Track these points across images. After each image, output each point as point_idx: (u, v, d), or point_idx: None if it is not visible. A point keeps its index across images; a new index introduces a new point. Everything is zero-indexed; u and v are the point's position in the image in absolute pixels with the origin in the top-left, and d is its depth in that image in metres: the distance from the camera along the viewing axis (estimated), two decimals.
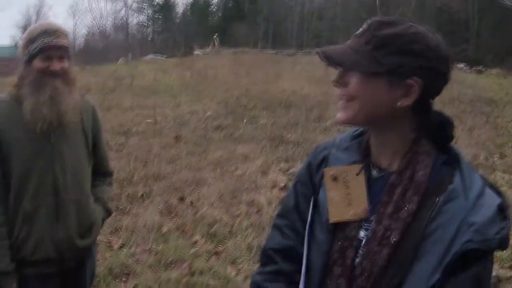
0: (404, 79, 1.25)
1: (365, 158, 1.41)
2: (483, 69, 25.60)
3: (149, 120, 10.75)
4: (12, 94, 2.42)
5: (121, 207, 6.14)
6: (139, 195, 6.51)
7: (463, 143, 8.81)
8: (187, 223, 5.73)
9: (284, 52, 34.52)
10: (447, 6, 39.87)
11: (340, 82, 1.33)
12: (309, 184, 1.54)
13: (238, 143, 9.18)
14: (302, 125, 10.35)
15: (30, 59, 2.36)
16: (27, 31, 2.44)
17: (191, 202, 6.29)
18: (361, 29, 1.32)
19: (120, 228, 5.53)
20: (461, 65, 28.21)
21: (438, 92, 1.33)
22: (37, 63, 2.34)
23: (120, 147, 8.69)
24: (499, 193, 1.30)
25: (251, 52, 31.41)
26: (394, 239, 1.26)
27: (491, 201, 1.24)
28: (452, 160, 1.32)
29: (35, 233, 2.42)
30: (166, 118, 11.10)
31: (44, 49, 2.32)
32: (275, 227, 1.60)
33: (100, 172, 2.80)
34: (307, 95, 12.78)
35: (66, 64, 2.40)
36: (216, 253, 5.06)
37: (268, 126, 10.41)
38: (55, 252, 2.47)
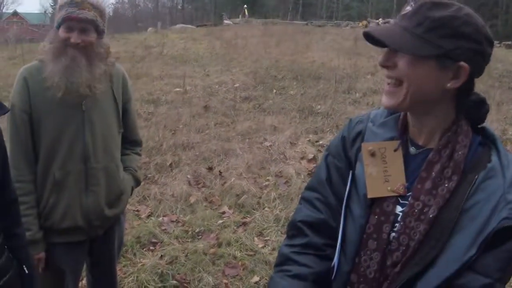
0: (455, 62, 1.25)
1: (402, 134, 1.42)
2: None
3: (178, 89, 10.73)
4: (43, 61, 2.39)
5: (149, 175, 6.18)
6: (168, 164, 6.52)
7: (491, 118, 8.65)
8: (215, 194, 5.74)
9: (314, 23, 34.15)
10: None
11: (388, 63, 1.31)
12: (343, 157, 1.54)
13: (267, 114, 9.13)
14: (331, 97, 10.21)
15: (57, 27, 2.34)
16: None
17: (220, 172, 6.29)
18: (409, 8, 1.30)
19: (148, 197, 5.56)
20: None
21: (481, 72, 1.33)
22: (61, 32, 2.33)
23: (149, 116, 8.72)
24: None
25: (281, 23, 31.09)
26: (431, 215, 1.28)
27: None
28: (488, 141, 1.35)
29: (64, 201, 2.42)
30: (196, 88, 11.07)
31: (66, 20, 2.30)
32: (305, 199, 1.60)
33: (130, 141, 2.79)
34: (336, 67, 12.59)
35: (90, 37, 2.35)
36: (244, 224, 5.06)
37: (297, 97, 10.31)
38: (83, 220, 2.48)
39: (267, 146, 7.20)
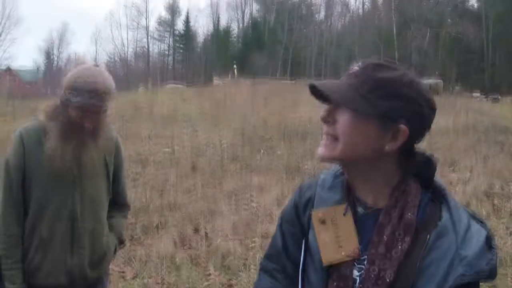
0: (394, 123, 1.27)
1: (349, 196, 1.41)
2: (499, 97, 25.50)
3: (166, 150, 10.81)
4: (41, 123, 2.45)
5: (135, 236, 6.17)
6: (154, 225, 6.53)
7: (477, 173, 8.75)
8: (201, 255, 5.73)
9: (302, 81, 34.63)
10: (462, 35, 40.00)
11: (329, 118, 1.32)
12: (297, 224, 1.54)
13: (254, 173, 9.17)
14: None
15: (68, 103, 2.36)
16: (76, 73, 2.40)
17: (206, 234, 6.28)
18: (356, 67, 1.32)
19: (134, 258, 5.55)
20: (477, 94, 28.20)
21: (422, 136, 1.35)
22: (73, 113, 2.36)
23: (136, 176, 8.75)
24: (482, 223, 1.32)
25: (270, 81, 31.57)
26: (388, 279, 1.27)
27: (479, 233, 1.26)
28: (437, 196, 1.34)
29: (49, 260, 2.46)
30: (184, 148, 11.16)
31: (85, 108, 2.34)
32: (264, 270, 1.60)
33: (118, 204, 2.83)
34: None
35: (101, 119, 2.43)
36: (229, 286, 5.05)
37: (284, 156, 10.41)
38: (66, 279, 2.50)
39: (254, 206, 7.23)
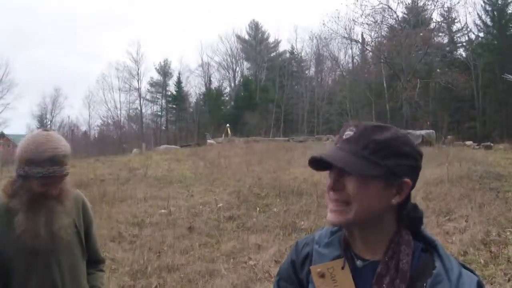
0: (398, 179, 1.38)
1: (347, 251, 1.49)
2: (491, 145, 25.72)
3: (162, 211, 10.84)
4: (3, 205, 2.42)
5: None
6: (153, 287, 6.50)
7: (473, 221, 8.78)
8: None
9: (295, 139, 34.93)
10: (452, 84, 40.57)
11: (338, 186, 1.40)
12: (294, 281, 1.60)
13: (251, 232, 9.20)
14: (314, 212, 10.36)
15: (28, 176, 2.32)
16: (30, 144, 2.33)
17: None
18: (351, 133, 1.41)
19: None
20: (470, 142, 28.45)
21: (415, 185, 1.45)
22: (36, 187, 2.33)
23: (133, 239, 8.75)
24: (472, 271, 1.40)
25: (263, 140, 31.81)
26: None
27: (470, 279, 1.35)
28: (429, 247, 1.43)
29: None
30: (180, 209, 11.19)
31: (47, 177, 2.31)
32: None
33: (93, 261, 2.84)
34: (318, 181, 12.85)
35: (64, 184, 2.44)
36: None
37: (280, 214, 10.44)
38: None
39: (252, 265, 7.23)
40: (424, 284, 1.33)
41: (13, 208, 2.36)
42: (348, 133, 1.42)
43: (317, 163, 1.43)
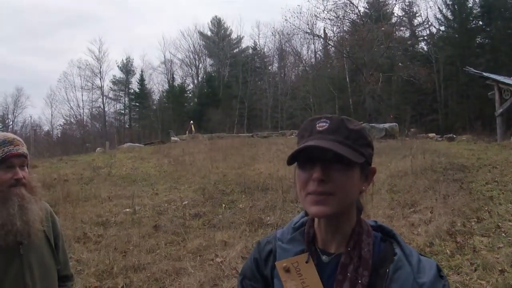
0: (368, 167, 1.47)
1: (311, 245, 1.52)
2: (454, 136, 26.29)
3: (127, 210, 10.76)
4: None
5: None
6: (119, 287, 6.45)
7: (438, 212, 8.93)
8: None
9: (260, 135, 35.07)
10: (414, 77, 41.16)
11: (323, 177, 1.38)
12: (258, 278, 1.63)
13: (217, 229, 9.20)
14: (280, 207, 10.42)
15: None
16: None
17: None
18: (325, 124, 1.43)
19: None
20: (432, 134, 29.02)
21: None
22: (1, 175, 2.32)
23: (98, 239, 8.64)
24: (429, 258, 1.47)
25: (227, 136, 31.83)
26: None
27: (429, 264, 1.42)
28: (387, 237, 1.50)
29: None
30: (145, 207, 11.12)
31: (6, 158, 2.31)
32: None
33: (61, 276, 2.77)
34: (283, 176, 12.93)
35: (27, 172, 2.41)
36: None
37: (246, 210, 10.47)
38: None
39: (219, 262, 7.23)
40: (387, 270, 1.39)
41: None
42: (323, 124, 1.43)
43: (299, 156, 1.43)
